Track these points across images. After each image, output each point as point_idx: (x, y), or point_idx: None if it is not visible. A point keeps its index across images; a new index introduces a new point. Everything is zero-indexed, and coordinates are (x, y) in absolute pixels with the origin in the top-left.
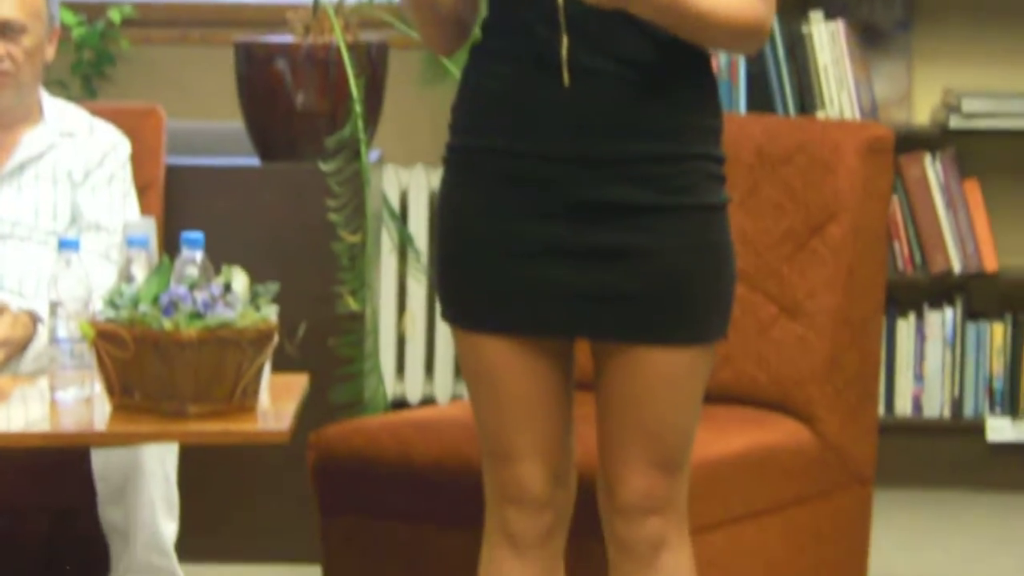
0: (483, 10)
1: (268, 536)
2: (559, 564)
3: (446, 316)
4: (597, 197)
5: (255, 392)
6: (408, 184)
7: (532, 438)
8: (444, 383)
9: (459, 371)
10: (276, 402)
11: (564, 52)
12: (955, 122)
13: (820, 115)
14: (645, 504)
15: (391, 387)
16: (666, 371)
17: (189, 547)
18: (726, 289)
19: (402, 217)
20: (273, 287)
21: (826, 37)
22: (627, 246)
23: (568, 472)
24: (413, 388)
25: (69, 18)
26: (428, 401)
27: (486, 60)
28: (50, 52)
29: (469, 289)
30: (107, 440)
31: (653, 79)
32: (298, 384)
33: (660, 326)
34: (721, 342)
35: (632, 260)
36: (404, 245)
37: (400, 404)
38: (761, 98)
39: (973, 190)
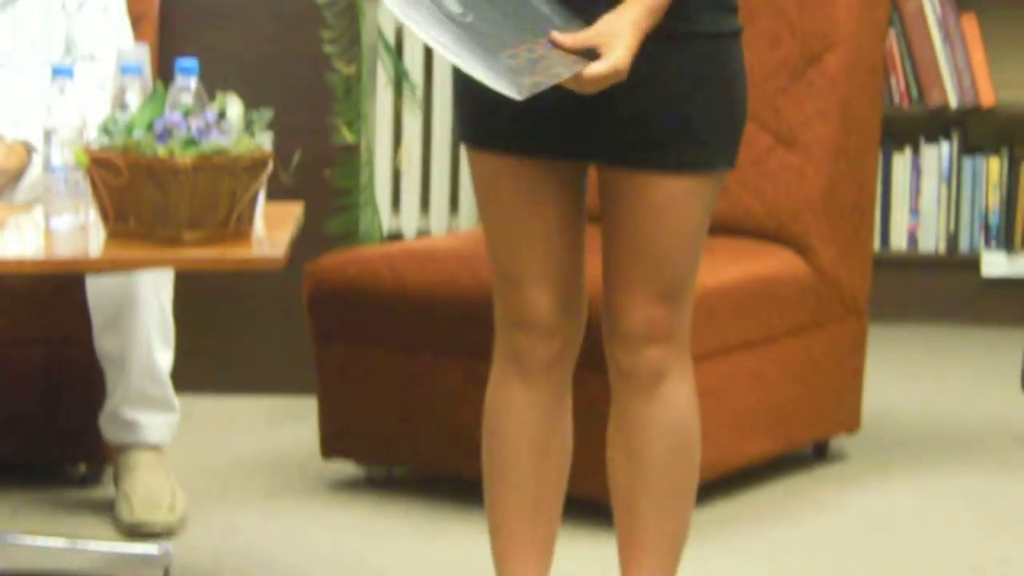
0: None
1: (263, 367)
2: (566, 391)
3: (462, 136)
4: None
5: (250, 220)
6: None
7: (542, 264)
8: (440, 218)
9: (454, 206)
10: (270, 230)
11: None
12: None
13: None
14: (646, 333)
15: (386, 222)
16: (670, 198)
17: (184, 377)
18: (734, 118)
19: (397, 51)
20: (267, 114)
21: None
22: (635, 72)
23: (578, 300)
24: (408, 222)
25: None
26: (423, 235)
27: None
28: None
29: (484, 110)
30: (102, 266)
31: None
32: (292, 213)
33: (665, 151)
34: (729, 173)
35: (640, 86)
36: (400, 79)
37: (395, 238)
38: None
39: (970, 24)
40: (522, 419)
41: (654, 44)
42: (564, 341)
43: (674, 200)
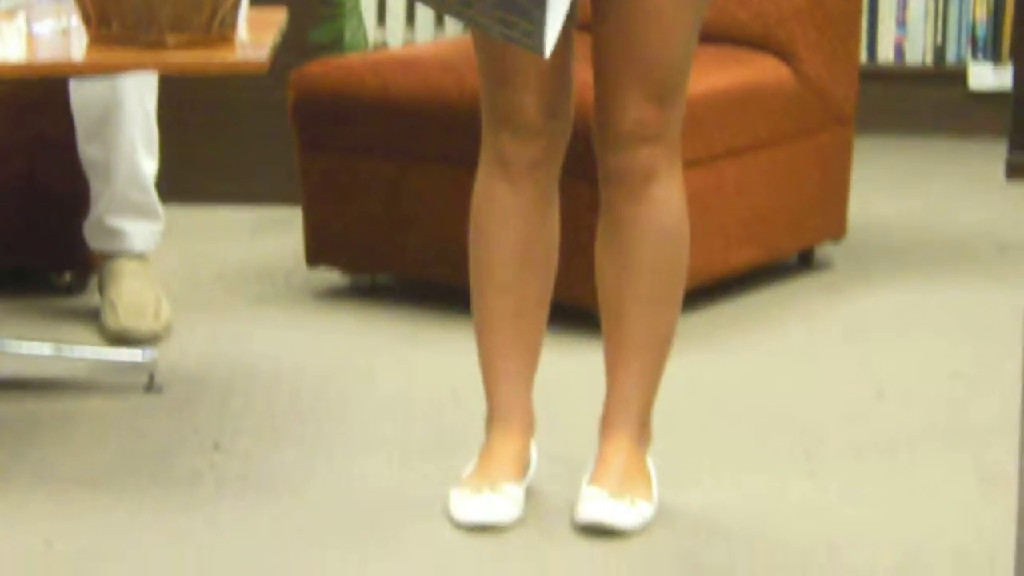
0: None
1: (248, 177)
2: (552, 196)
3: None
4: None
5: (233, 24)
6: None
7: (528, 65)
8: (425, 30)
9: (440, 19)
10: (254, 34)
11: None
12: None
13: None
14: (637, 133)
15: (372, 34)
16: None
17: (169, 188)
18: None
19: None
20: None
21: None
22: None
23: (564, 104)
24: (394, 34)
25: None
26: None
27: None
28: None
29: None
30: (85, 70)
31: None
32: (276, 18)
33: None
34: None
35: None
36: None
37: (382, 46)
38: None
39: None
40: (506, 221)
41: None
42: (549, 143)
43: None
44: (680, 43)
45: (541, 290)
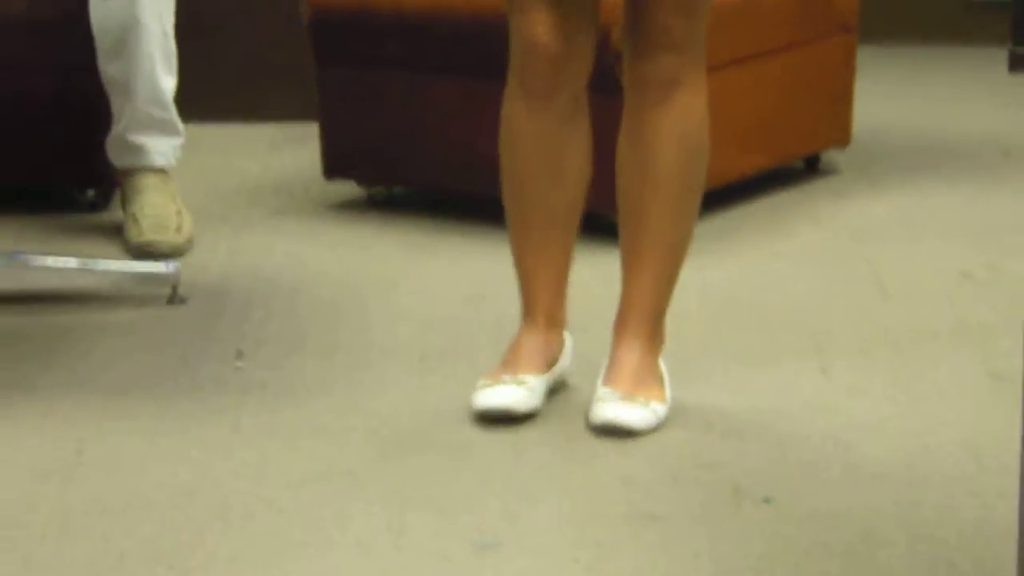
0: None
1: (266, 94)
2: (577, 114)
3: None
4: None
5: None
6: None
7: None
8: None
9: None
10: None
11: None
12: None
13: None
14: (665, 41)
15: None
16: None
17: (188, 106)
18: None
19: None
20: None
21: None
22: None
23: (585, 24)
24: None
25: None
26: None
27: None
28: None
29: None
30: None
31: None
32: None
33: None
34: None
35: None
36: None
37: None
38: None
39: None
40: (529, 141)
41: None
42: (567, 67)
43: None
44: None
45: (570, 201)
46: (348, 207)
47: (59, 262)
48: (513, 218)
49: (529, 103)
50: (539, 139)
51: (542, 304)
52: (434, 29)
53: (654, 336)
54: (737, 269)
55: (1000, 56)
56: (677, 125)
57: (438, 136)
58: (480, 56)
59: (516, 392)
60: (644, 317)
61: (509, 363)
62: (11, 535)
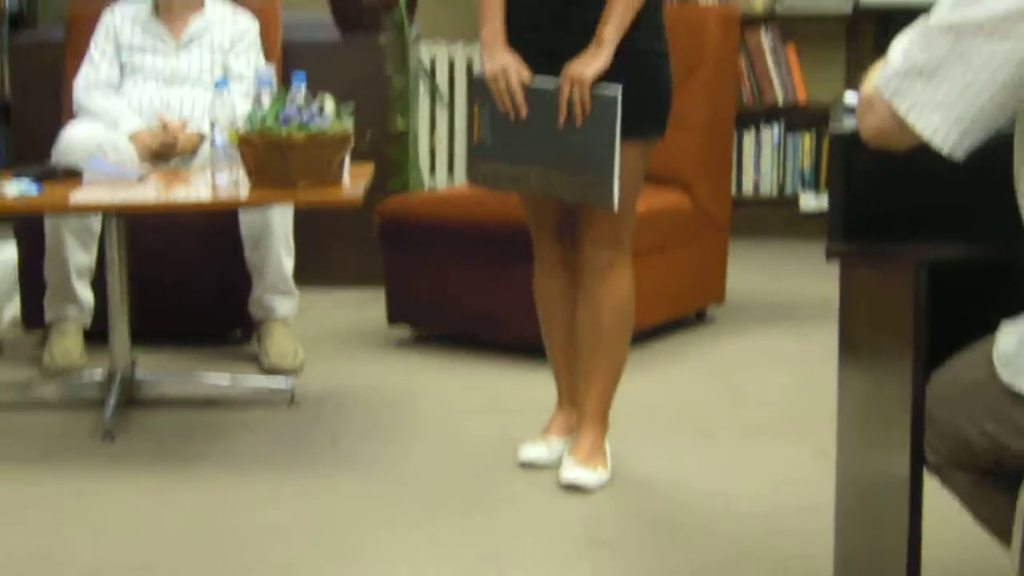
0: None
1: (351, 270)
2: (569, 280)
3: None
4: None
5: (339, 175)
6: (436, 53)
7: (547, 213)
8: (461, 177)
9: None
10: (353, 181)
11: None
12: (780, 9)
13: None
14: (601, 239)
15: (426, 180)
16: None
17: (302, 277)
18: (664, 103)
19: (432, 74)
20: (350, 106)
21: None
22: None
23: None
24: (440, 180)
25: None
26: (450, 188)
27: None
28: None
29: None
30: (248, 202)
31: None
32: (366, 170)
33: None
34: (656, 142)
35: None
36: (433, 91)
37: (431, 190)
38: None
39: (792, 51)
40: (549, 299)
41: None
42: (564, 258)
43: (625, 157)
44: (630, 184)
45: (569, 326)
46: (403, 343)
47: (217, 378)
48: (544, 337)
49: (547, 274)
50: (554, 298)
51: (564, 390)
52: (461, 231)
53: (602, 424)
54: (652, 383)
55: (820, 247)
56: (613, 295)
57: (468, 299)
58: (491, 250)
59: (540, 450)
60: (595, 413)
61: (545, 429)
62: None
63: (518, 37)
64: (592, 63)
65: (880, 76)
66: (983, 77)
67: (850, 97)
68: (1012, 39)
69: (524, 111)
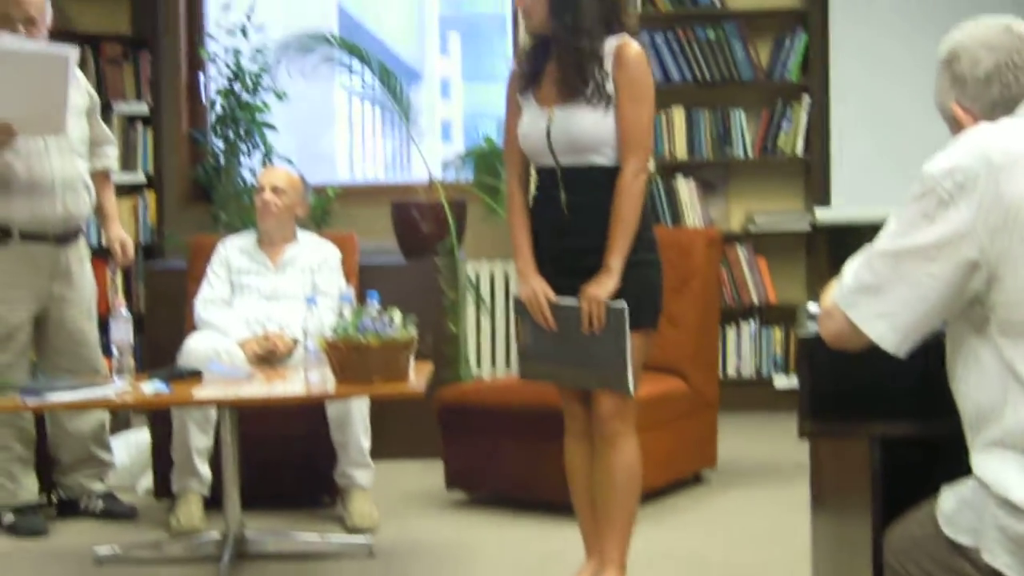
0: (532, 188)
1: (415, 446)
2: (594, 449)
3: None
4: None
5: (406, 371)
6: (480, 270)
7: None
8: (502, 369)
9: (509, 362)
10: (417, 377)
11: (564, 199)
12: (752, 228)
13: (685, 226)
14: (609, 415)
15: (473, 371)
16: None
17: (377, 451)
18: (656, 302)
19: (477, 288)
20: (413, 317)
21: (685, 188)
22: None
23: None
24: (485, 371)
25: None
26: (493, 378)
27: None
28: (301, 211)
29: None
30: (334, 396)
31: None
32: (427, 367)
33: None
34: (651, 332)
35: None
36: (478, 301)
37: (478, 379)
38: (654, 217)
39: (763, 262)
40: (576, 461)
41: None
42: (589, 429)
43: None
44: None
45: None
46: (460, 504)
47: (310, 536)
48: (572, 495)
49: (575, 439)
50: (580, 460)
51: (590, 541)
52: (505, 412)
53: (621, 567)
54: (656, 538)
55: (792, 418)
56: (622, 459)
57: (512, 467)
58: (535, 428)
59: None
60: (615, 559)
61: (577, 574)
62: None
63: (544, 263)
64: (604, 286)
65: (837, 291)
66: (918, 293)
67: (812, 306)
68: (939, 262)
69: (553, 324)
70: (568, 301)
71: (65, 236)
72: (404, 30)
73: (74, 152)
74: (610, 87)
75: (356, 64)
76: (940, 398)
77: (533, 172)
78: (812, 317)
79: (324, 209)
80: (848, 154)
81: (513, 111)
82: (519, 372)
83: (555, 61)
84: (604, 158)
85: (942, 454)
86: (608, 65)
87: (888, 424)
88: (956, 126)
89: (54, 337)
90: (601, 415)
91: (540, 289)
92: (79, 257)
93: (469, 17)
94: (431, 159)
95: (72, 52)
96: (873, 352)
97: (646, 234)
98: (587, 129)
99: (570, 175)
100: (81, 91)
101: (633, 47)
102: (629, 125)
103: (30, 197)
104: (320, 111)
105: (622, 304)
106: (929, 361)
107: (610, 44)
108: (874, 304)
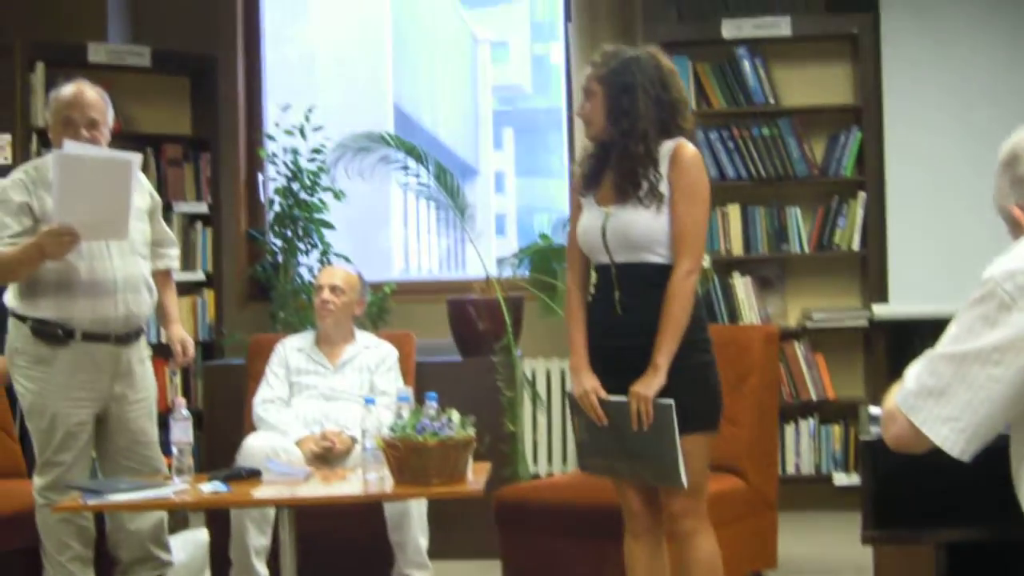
0: (591, 287)
1: (472, 544)
2: (661, 546)
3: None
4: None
5: (464, 471)
6: (536, 367)
7: (628, 487)
8: (559, 466)
9: (566, 459)
10: (475, 476)
11: (617, 297)
12: (810, 324)
13: (742, 323)
14: (682, 513)
15: (532, 469)
16: (688, 445)
17: (434, 552)
18: (716, 406)
19: (532, 385)
20: (471, 418)
21: (742, 285)
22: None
23: (653, 503)
24: (543, 468)
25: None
26: (550, 475)
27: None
28: (359, 309)
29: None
30: (393, 497)
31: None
32: (485, 467)
33: (682, 421)
34: (714, 434)
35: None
36: (535, 398)
37: (536, 476)
38: (711, 315)
39: (820, 358)
40: (637, 561)
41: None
42: (650, 523)
43: (689, 447)
44: (699, 467)
45: None
46: None
47: None
48: None
49: (634, 537)
50: (636, 555)
51: None
52: (563, 511)
53: None
54: None
55: (854, 517)
56: (701, 555)
57: (570, 566)
58: (593, 526)
59: None
60: None
61: None
62: None
63: (595, 360)
64: (651, 384)
65: (899, 395)
66: (981, 396)
67: (873, 409)
68: (1003, 366)
69: (604, 420)
70: (618, 398)
71: (126, 336)
72: (459, 126)
73: (136, 253)
74: (664, 187)
75: (412, 163)
76: (1007, 502)
77: (592, 272)
78: (874, 420)
79: (381, 307)
80: (905, 250)
81: (575, 212)
82: (579, 466)
83: (614, 163)
84: (658, 256)
85: (1010, 559)
86: (664, 167)
87: (954, 530)
88: (1016, 228)
89: (115, 436)
90: (673, 514)
91: (591, 387)
92: (140, 357)
93: (523, 112)
94: (486, 254)
95: (135, 158)
96: (937, 456)
97: (701, 335)
98: (640, 227)
99: (624, 272)
100: (143, 193)
101: (689, 149)
102: (682, 225)
103: (92, 297)
104: (376, 208)
105: (669, 401)
106: (995, 465)
107: (667, 147)
108: (937, 408)
